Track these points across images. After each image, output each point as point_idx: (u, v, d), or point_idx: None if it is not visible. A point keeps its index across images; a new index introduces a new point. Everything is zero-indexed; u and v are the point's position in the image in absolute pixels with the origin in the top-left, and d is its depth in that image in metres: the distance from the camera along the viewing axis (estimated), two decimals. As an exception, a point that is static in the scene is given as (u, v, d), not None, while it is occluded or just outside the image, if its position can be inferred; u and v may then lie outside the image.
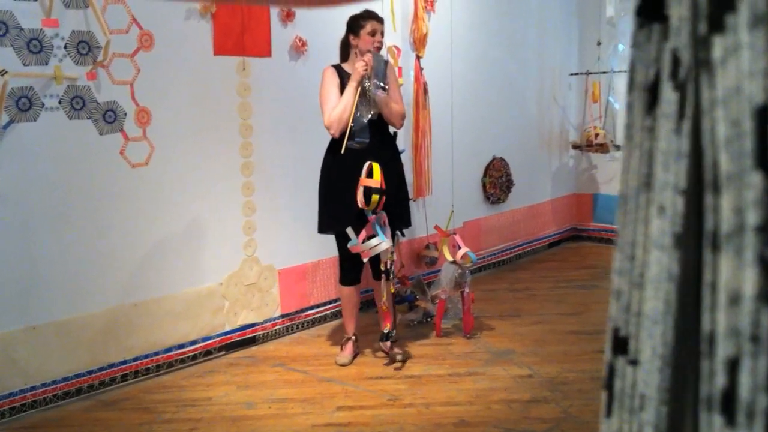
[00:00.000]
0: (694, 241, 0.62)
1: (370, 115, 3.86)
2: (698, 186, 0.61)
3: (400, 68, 5.08)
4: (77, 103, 3.56)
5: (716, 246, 0.54)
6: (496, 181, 6.16)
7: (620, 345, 0.71)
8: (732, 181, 0.53)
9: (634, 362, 0.70)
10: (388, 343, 4.03)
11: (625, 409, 0.71)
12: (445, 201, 5.40)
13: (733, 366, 0.53)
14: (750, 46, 0.51)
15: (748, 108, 0.51)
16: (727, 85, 0.53)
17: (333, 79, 3.92)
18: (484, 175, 6.09)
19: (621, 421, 0.72)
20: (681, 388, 0.65)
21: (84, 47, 3.56)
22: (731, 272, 0.53)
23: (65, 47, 3.49)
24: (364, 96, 3.85)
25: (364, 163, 3.79)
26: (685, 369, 0.64)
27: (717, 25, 0.53)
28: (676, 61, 0.62)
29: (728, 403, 0.53)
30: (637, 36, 0.68)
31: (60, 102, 3.50)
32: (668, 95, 0.63)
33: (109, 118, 3.69)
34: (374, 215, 3.82)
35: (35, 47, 3.39)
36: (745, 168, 0.52)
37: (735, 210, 0.53)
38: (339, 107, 3.81)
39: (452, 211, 5.06)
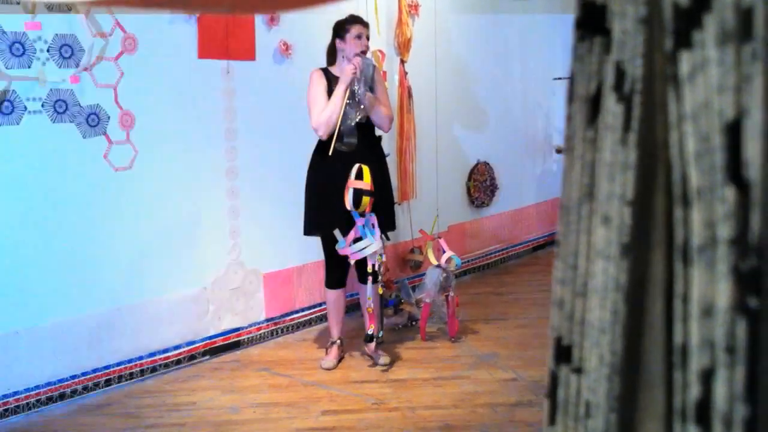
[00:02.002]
0: (642, 251, 0.62)
1: (358, 118, 3.88)
2: (645, 196, 0.62)
3: (384, 72, 5.09)
4: (60, 106, 3.54)
5: (687, 258, 0.55)
6: (481, 185, 6.18)
7: (563, 353, 0.71)
8: (703, 195, 0.53)
9: (578, 370, 0.70)
10: (372, 345, 4.03)
11: (570, 416, 0.71)
12: (430, 205, 5.41)
13: (707, 377, 0.54)
14: (719, 62, 0.52)
15: (717, 123, 0.52)
16: (695, 99, 0.53)
17: (321, 82, 3.94)
18: (469, 179, 6.11)
19: (566, 427, 0.72)
20: (629, 397, 0.65)
21: (67, 50, 3.54)
22: (704, 284, 0.53)
23: (48, 50, 3.47)
24: (352, 99, 3.87)
25: (351, 165, 3.79)
26: (633, 378, 0.65)
27: (684, 41, 0.54)
28: (620, 74, 0.62)
29: (703, 413, 0.54)
30: (578, 48, 0.68)
31: (43, 105, 3.48)
32: (612, 107, 0.63)
33: (93, 121, 3.68)
34: (363, 217, 3.83)
35: (18, 50, 3.37)
36: (717, 182, 0.52)
37: (706, 223, 0.53)
38: (327, 109, 3.82)
39: (437, 215, 5.07)
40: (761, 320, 0.51)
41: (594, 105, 0.66)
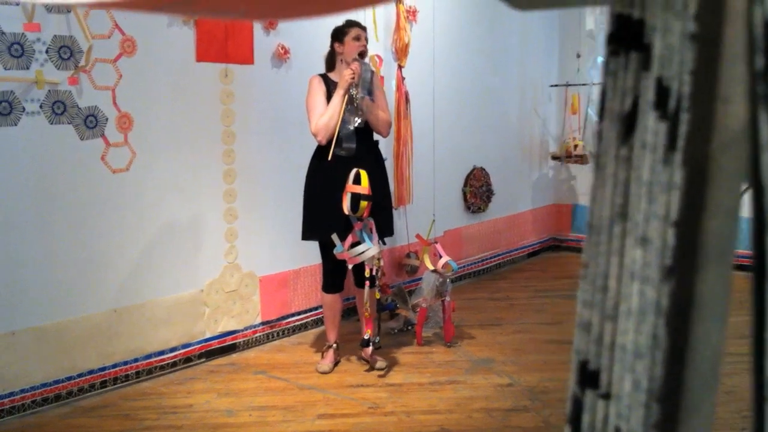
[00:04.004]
0: (685, 273, 0.62)
1: (356, 123, 3.89)
2: (690, 217, 0.61)
3: (382, 77, 5.10)
4: (58, 107, 3.54)
5: None
6: (477, 190, 6.19)
7: (589, 378, 0.70)
8: None
9: (606, 396, 0.68)
10: (369, 350, 4.03)
11: None
12: (426, 210, 5.42)
13: None
14: None
15: None
16: None
17: (320, 88, 3.95)
18: (465, 184, 6.12)
19: None
20: (669, 424, 0.64)
21: (66, 52, 3.54)
22: None
23: (47, 52, 3.47)
24: (351, 104, 3.88)
25: (349, 170, 3.80)
26: (673, 404, 0.64)
27: None
28: (663, 91, 0.62)
29: None
30: (611, 63, 0.67)
31: (41, 107, 3.48)
32: (652, 125, 0.63)
33: (90, 123, 3.68)
34: (361, 222, 3.83)
35: (16, 51, 3.37)
36: None
37: None
38: (326, 114, 3.83)
39: (433, 220, 5.08)
40: None
41: (629, 122, 0.65)
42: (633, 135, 0.64)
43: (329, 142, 3.84)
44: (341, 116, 3.84)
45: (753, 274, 0.57)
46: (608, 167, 0.67)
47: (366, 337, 3.98)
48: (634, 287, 0.65)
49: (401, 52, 5.26)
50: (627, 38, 0.65)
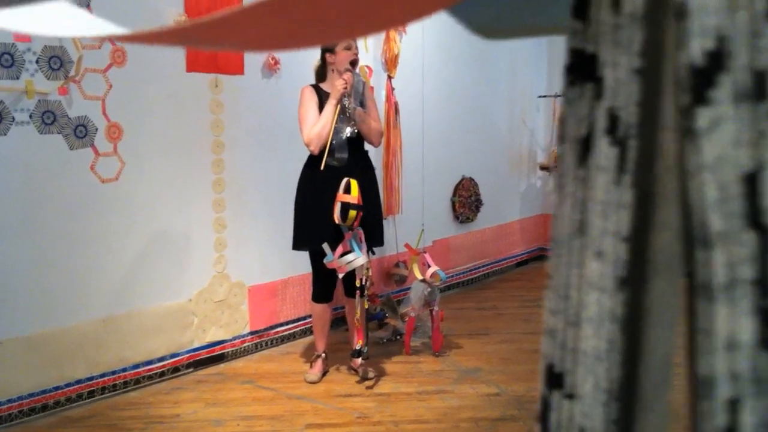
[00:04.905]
0: (637, 283, 0.68)
1: (348, 133, 3.92)
2: (641, 233, 0.67)
3: (372, 88, 5.13)
4: (48, 117, 3.55)
5: (710, 297, 0.59)
6: (466, 200, 6.22)
7: (555, 380, 0.75)
8: (723, 238, 0.57)
9: (570, 396, 0.73)
10: (359, 360, 4.04)
11: None
12: (415, 219, 5.44)
13: (733, 406, 0.57)
14: (735, 119, 0.56)
15: (735, 174, 0.57)
16: (713, 152, 0.57)
17: (312, 98, 3.97)
18: (454, 194, 6.15)
19: None
20: (626, 421, 0.69)
21: (56, 62, 3.55)
22: (727, 321, 0.58)
23: (37, 62, 3.48)
24: (343, 113, 3.90)
25: (341, 179, 3.82)
26: (629, 403, 0.69)
27: (700, 98, 0.58)
28: (613, 119, 0.67)
29: None
30: (569, 93, 0.73)
31: (31, 116, 3.48)
32: (605, 149, 0.68)
33: (80, 133, 3.68)
34: (350, 231, 3.85)
35: (6, 61, 3.38)
36: (737, 227, 0.57)
37: (728, 265, 0.57)
38: (319, 124, 3.85)
39: (422, 230, 5.10)
40: None
41: (585, 146, 0.70)
42: (589, 158, 0.70)
43: (321, 152, 3.86)
44: (333, 126, 3.86)
45: (685, 289, 0.62)
46: (568, 187, 0.73)
47: (357, 347, 4.00)
48: (592, 296, 0.70)
49: (391, 62, 5.29)
50: (582, 71, 0.71)
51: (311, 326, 4.40)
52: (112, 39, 1.85)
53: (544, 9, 1.00)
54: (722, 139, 0.57)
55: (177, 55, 4.06)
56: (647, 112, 0.65)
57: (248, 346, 4.57)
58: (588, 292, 0.71)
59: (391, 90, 5.30)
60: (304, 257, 4.15)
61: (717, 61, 0.57)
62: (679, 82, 0.60)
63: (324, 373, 4.15)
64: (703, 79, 0.57)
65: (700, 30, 0.57)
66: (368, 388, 3.99)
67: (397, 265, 5.47)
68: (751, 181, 0.56)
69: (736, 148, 0.56)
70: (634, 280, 0.67)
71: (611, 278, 0.68)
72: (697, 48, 0.57)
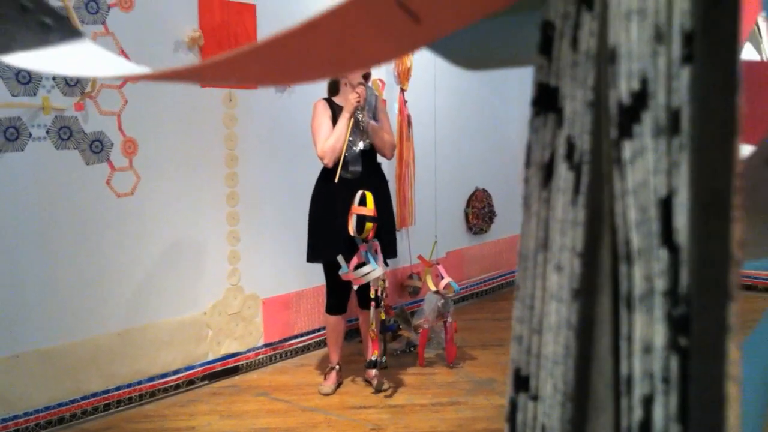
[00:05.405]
0: (589, 295, 0.75)
1: (362, 145, 3.94)
2: (592, 250, 0.74)
3: (384, 101, 5.16)
4: (64, 133, 3.60)
5: (630, 306, 0.67)
6: (479, 211, 6.22)
7: (521, 383, 0.82)
8: (642, 255, 0.65)
9: (534, 398, 0.81)
10: (373, 372, 4.05)
11: None
12: (429, 231, 5.45)
13: (648, 402, 0.65)
14: (654, 150, 0.64)
15: (653, 198, 0.65)
16: (635, 179, 0.66)
17: (325, 112, 3.99)
18: (467, 205, 6.16)
19: None
20: (581, 420, 0.76)
21: (72, 78, 3.60)
22: (644, 327, 0.65)
23: (53, 78, 3.53)
24: (356, 126, 3.93)
25: (354, 192, 3.84)
26: (584, 403, 0.76)
27: (626, 132, 0.66)
28: (570, 146, 0.75)
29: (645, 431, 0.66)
30: (534, 122, 0.80)
31: (47, 132, 3.53)
32: (564, 173, 0.76)
33: (96, 148, 3.73)
34: (365, 243, 3.86)
35: (24, 78, 3.44)
36: (653, 245, 0.65)
37: (645, 278, 0.65)
38: (332, 137, 3.88)
39: (435, 242, 5.11)
40: (690, 356, 0.63)
41: (548, 170, 0.79)
42: (551, 181, 0.78)
43: (335, 165, 3.88)
44: (347, 139, 3.89)
45: (612, 298, 0.71)
46: (533, 206, 0.81)
47: (373, 358, 4.00)
48: (552, 306, 0.78)
49: (403, 75, 5.33)
50: (546, 102, 0.79)
51: (325, 338, 4.41)
52: (133, 79, 1.91)
53: (516, 44, 1.10)
54: (643, 167, 0.65)
55: (191, 70, 4.10)
56: (598, 141, 0.73)
57: (262, 358, 4.58)
58: (549, 302, 0.78)
59: (403, 102, 5.33)
60: (317, 269, 4.17)
61: (640, 100, 0.65)
62: (610, 117, 0.68)
63: (338, 385, 4.16)
64: (629, 116, 0.66)
65: (627, 73, 0.65)
66: (387, 396, 3.99)
67: (410, 276, 5.48)
68: (666, 204, 0.64)
69: (654, 176, 0.65)
70: (587, 292, 0.75)
71: (567, 290, 0.75)
72: (624, 88, 0.65)
